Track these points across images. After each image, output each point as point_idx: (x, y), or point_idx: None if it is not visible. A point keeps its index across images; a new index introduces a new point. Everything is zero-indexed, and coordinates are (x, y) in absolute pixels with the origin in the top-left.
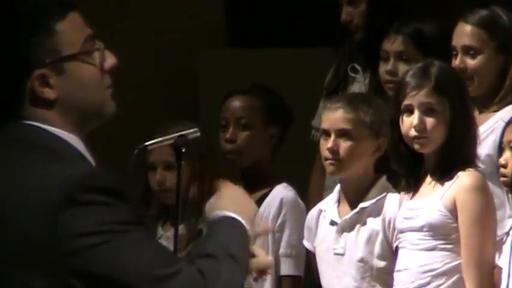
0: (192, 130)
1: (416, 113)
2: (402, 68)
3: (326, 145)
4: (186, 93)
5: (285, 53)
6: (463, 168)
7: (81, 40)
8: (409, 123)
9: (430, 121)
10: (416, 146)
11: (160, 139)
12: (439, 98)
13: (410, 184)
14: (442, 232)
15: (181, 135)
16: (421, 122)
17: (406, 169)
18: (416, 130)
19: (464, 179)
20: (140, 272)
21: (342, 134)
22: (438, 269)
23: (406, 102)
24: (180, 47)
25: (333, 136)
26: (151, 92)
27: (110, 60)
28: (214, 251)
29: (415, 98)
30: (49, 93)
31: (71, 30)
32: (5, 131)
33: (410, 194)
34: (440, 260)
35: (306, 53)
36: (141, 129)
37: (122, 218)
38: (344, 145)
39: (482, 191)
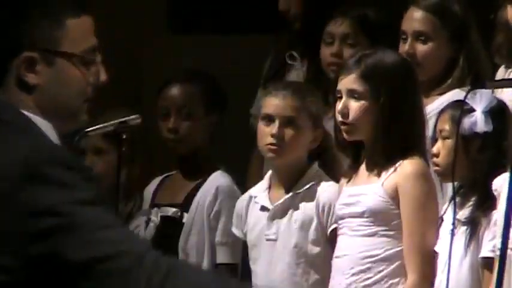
0: (133, 117)
1: (343, 99)
2: (347, 51)
3: (269, 130)
4: (129, 80)
5: (226, 40)
6: (406, 156)
7: (85, 46)
8: (338, 108)
9: (354, 107)
10: (344, 133)
11: (101, 125)
12: (365, 84)
13: (351, 170)
14: (383, 218)
15: (123, 122)
16: (345, 107)
17: (348, 155)
18: (341, 116)
19: (406, 166)
20: (108, 251)
21: (287, 121)
22: (379, 255)
23: (338, 87)
24: (123, 36)
25: (277, 122)
26: None
27: (101, 76)
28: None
29: (342, 83)
30: (31, 78)
31: (79, 31)
32: None
33: (350, 181)
34: (381, 246)
35: (247, 40)
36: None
37: (86, 196)
38: (288, 132)
39: (424, 178)
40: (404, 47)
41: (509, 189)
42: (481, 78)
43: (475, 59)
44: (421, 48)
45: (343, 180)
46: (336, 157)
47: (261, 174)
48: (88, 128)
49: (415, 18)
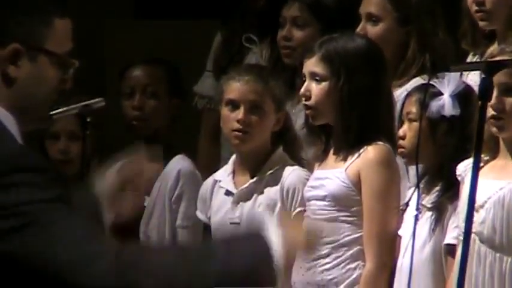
0: (96, 100)
1: (306, 82)
2: (296, 33)
3: (234, 116)
4: (92, 63)
5: (177, 24)
6: (371, 140)
7: (66, 48)
8: (301, 91)
9: (315, 90)
10: (309, 118)
11: (65, 109)
12: (326, 66)
13: (321, 154)
14: (344, 204)
15: (86, 105)
16: (307, 90)
17: (319, 139)
18: (304, 99)
19: (369, 152)
20: (72, 250)
21: (252, 106)
22: (338, 240)
23: (303, 70)
24: (87, 18)
25: (243, 108)
26: None
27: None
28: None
29: (305, 65)
30: (12, 70)
31: (63, 32)
32: None
33: (321, 164)
34: (340, 231)
35: (210, 24)
36: None
37: (48, 196)
38: (254, 117)
39: (386, 165)
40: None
41: (472, 174)
42: (439, 64)
43: (427, 43)
44: (372, 29)
45: (316, 164)
46: (297, 138)
47: (211, 156)
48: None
49: (369, 1)
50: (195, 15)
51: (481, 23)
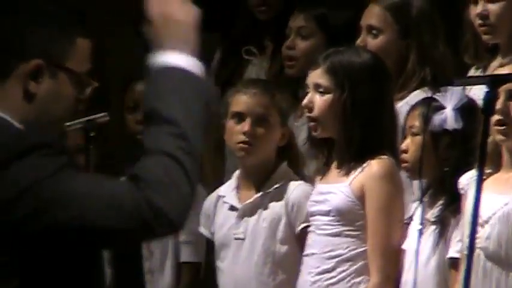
0: (101, 115)
1: (309, 93)
2: (300, 43)
3: (240, 128)
4: (96, 77)
5: None
6: (374, 154)
7: (85, 67)
8: (303, 102)
9: (318, 101)
10: (312, 130)
11: (69, 123)
12: (330, 78)
13: (323, 168)
14: (349, 218)
15: (90, 119)
16: (310, 102)
17: (321, 152)
18: (307, 111)
19: (373, 166)
20: (98, 203)
21: (259, 118)
22: (343, 255)
23: (306, 81)
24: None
25: (249, 120)
26: None
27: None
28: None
29: (309, 77)
30: (33, 87)
31: (83, 51)
32: None
33: (323, 178)
34: (345, 246)
35: (211, 37)
36: None
37: (58, 165)
38: (260, 130)
39: (390, 179)
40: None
41: (476, 189)
42: (439, 77)
43: (427, 56)
44: (372, 42)
45: (317, 178)
46: (300, 154)
47: (216, 170)
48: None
49: (371, 13)
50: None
51: (485, 37)
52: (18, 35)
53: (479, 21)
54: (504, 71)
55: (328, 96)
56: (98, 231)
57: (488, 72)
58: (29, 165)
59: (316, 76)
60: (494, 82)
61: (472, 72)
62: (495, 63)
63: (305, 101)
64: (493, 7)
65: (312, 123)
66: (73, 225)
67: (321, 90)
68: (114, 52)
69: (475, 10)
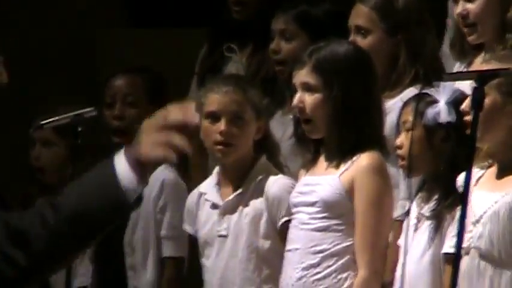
0: (88, 109)
1: (298, 93)
2: (284, 46)
3: (215, 128)
4: (84, 72)
5: (180, 33)
6: (363, 148)
7: None
8: (293, 103)
9: (309, 101)
10: (306, 133)
11: (56, 118)
12: (318, 77)
13: (310, 162)
14: (334, 211)
15: (78, 114)
16: (300, 102)
17: (309, 148)
18: (298, 112)
19: (363, 160)
20: None
21: (233, 117)
22: (328, 249)
23: (293, 81)
24: (77, 27)
25: (224, 119)
26: (51, 72)
27: (3, 77)
28: None
29: (296, 77)
30: None
31: None
32: None
33: (309, 171)
34: (330, 240)
35: (201, 32)
36: (39, 109)
37: None
38: (235, 128)
39: (379, 173)
40: None
41: (464, 184)
42: (430, 72)
43: (417, 53)
44: (361, 42)
45: (302, 171)
46: (277, 144)
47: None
48: (43, 120)
49: (358, 13)
50: (187, 24)
51: (469, 38)
52: None
53: (462, 21)
54: (487, 67)
55: (318, 95)
56: None
57: (472, 68)
58: None
59: (303, 75)
60: (483, 77)
61: (456, 67)
62: (479, 59)
63: (295, 102)
64: (471, 6)
65: (306, 126)
66: None
67: (309, 89)
68: (104, 46)
69: (457, 10)
